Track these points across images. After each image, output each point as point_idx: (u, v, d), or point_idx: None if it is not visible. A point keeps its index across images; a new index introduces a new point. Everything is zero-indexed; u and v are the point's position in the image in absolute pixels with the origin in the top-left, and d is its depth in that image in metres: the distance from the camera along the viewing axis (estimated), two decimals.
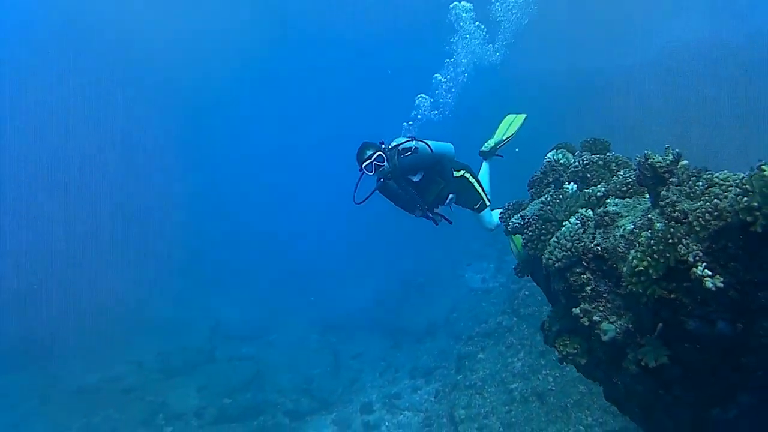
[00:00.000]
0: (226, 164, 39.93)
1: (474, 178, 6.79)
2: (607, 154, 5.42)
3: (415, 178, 6.55)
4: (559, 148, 5.98)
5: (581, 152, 5.77)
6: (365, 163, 6.35)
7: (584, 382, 10.08)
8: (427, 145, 6.56)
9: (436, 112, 9.81)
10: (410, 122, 10.67)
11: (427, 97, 11.13)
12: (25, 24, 32.33)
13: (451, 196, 6.64)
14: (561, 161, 5.70)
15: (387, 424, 13.91)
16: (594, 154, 5.45)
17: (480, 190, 6.77)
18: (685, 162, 4.07)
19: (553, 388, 10.99)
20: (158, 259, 26.94)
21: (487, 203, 6.81)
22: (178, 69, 38.33)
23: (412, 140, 6.58)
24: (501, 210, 6.13)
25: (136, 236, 29.68)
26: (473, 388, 12.61)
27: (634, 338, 3.78)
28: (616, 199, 4.34)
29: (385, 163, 6.34)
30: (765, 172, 2.89)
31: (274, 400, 15.15)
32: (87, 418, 14.55)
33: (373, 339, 18.52)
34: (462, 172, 6.75)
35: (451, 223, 6.83)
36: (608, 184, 4.61)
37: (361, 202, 6.57)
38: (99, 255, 26.86)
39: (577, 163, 5.21)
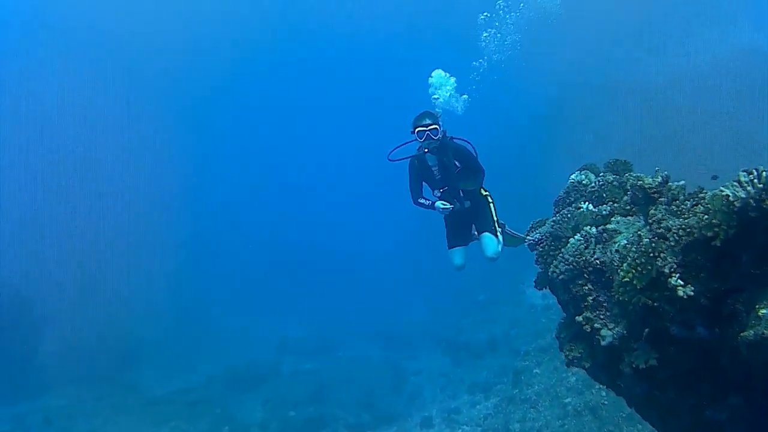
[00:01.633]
0: (297, 182, 39.29)
1: (493, 204, 7.06)
2: (626, 174, 5.75)
3: (457, 164, 6.87)
4: (583, 170, 6.33)
5: (604, 173, 6.12)
6: (420, 129, 6.51)
7: None
8: (474, 149, 6.97)
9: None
10: (480, 60, 11.06)
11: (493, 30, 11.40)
12: (24, 23, 32.61)
13: (468, 202, 6.96)
14: (583, 182, 6.05)
15: None
16: (615, 175, 5.80)
17: (495, 217, 7.00)
18: (682, 183, 4.43)
19: (606, 402, 11.11)
20: (230, 273, 27.96)
21: (498, 234, 6.97)
22: (194, 69, 37.42)
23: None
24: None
25: (209, 251, 30.75)
26: (528, 402, 12.85)
27: (629, 343, 4.15)
28: (619, 217, 4.72)
29: (439, 136, 6.57)
30: (724, 193, 3.27)
31: (336, 414, 15.60)
32: (156, 428, 15.37)
33: (434, 355, 18.82)
34: (487, 194, 7.09)
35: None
36: (615, 204, 4.97)
37: (392, 160, 6.90)
38: (174, 267, 27.88)
39: (594, 184, 5.58)
